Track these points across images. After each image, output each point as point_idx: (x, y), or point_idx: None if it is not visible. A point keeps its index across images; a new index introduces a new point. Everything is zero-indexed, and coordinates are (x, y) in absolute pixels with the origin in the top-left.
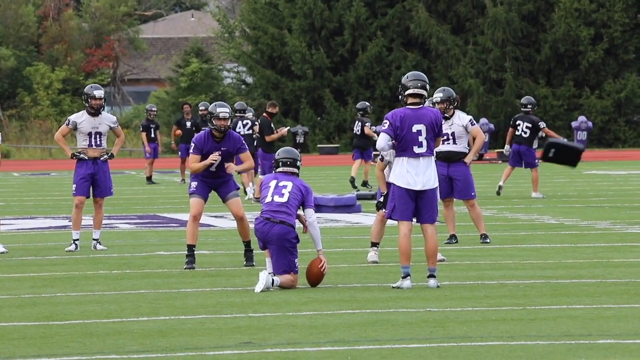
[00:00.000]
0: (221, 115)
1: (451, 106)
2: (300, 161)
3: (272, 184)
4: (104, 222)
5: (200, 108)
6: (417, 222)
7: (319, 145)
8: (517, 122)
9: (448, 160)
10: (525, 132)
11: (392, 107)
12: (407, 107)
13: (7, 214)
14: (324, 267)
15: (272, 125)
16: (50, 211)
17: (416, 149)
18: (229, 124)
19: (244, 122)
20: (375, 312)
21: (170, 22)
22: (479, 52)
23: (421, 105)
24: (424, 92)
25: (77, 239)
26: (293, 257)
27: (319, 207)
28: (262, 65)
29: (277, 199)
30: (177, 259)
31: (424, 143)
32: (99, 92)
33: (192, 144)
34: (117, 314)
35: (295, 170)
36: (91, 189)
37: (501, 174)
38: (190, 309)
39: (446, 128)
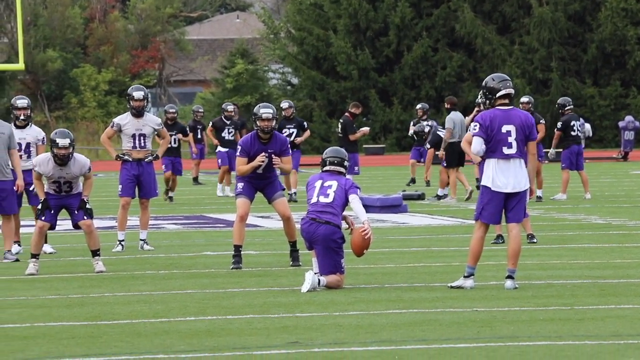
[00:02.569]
0: (264, 116)
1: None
2: (348, 160)
3: (318, 184)
4: (151, 222)
5: (228, 109)
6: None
7: (364, 146)
8: (572, 122)
9: None
10: (580, 131)
11: (437, 108)
12: (497, 107)
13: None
14: (367, 233)
15: (354, 125)
16: (97, 212)
17: (505, 150)
18: (273, 124)
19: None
20: (422, 312)
21: (216, 23)
22: (524, 52)
23: (511, 107)
24: (512, 91)
25: (123, 240)
26: (339, 257)
27: (366, 208)
28: (308, 66)
29: (322, 199)
30: (224, 259)
31: (514, 144)
32: (139, 93)
33: (239, 147)
34: (165, 314)
35: (342, 169)
36: (137, 190)
37: (549, 174)
38: (237, 309)
39: None
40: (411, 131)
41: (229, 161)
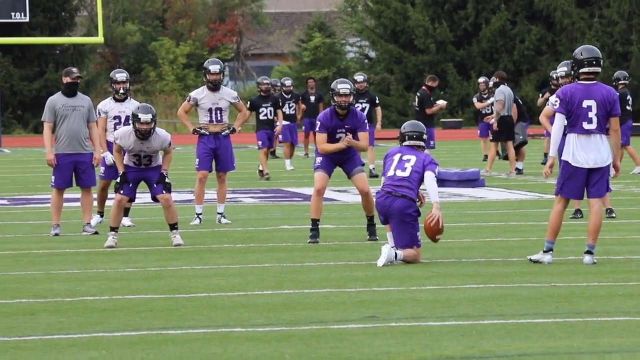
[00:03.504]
0: (342, 91)
1: (575, 80)
2: (426, 134)
3: (396, 157)
4: (228, 196)
5: (264, 81)
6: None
7: (442, 120)
8: (627, 97)
9: None
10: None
11: (515, 82)
12: (579, 82)
13: None
14: (432, 220)
15: (431, 98)
16: (175, 185)
17: (585, 125)
18: (350, 100)
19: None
20: (500, 287)
21: None
22: (604, 25)
23: (594, 82)
24: (598, 69)
25: (201, 213)
26: (415, 230)
27: (443, 182)
28: (385, 40)
29: (399, 173)
30: (300, 233)
31: (594, 119)
32: (215, 67)
33: (318, 122)
34: (242, 288)
35: (421, 143)
36: (214, 163)
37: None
38: (314, 283)
39: None
40: (478, 106)
41: (291, 134)
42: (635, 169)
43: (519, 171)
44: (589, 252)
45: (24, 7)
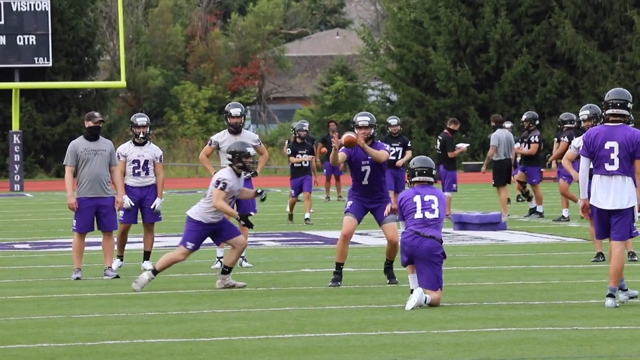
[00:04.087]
0: (360, 123)
1: (598, 124)
2: (435, 169)
3: (417, 199)
4: (250, 239)
5: (303, 128)
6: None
7: (463, 163)
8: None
9: None
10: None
11: (538, 126)
12: (605, 124)
13: (156, 232)
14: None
15: (453, 141)
16: None
17: (607, 167)
18: (371, 132)
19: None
20: (521, 330)
21: (316, 40)
22: (627, 68)
23: (620, 124)
24: (623, 111)
25: (222, 257)
26: (440, 272)
27: (464, 225)
28: (407, 83)
29: (428, 214)
30: (321, 277)
31: (616, 161)
32: (236, 110)
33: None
34: (263, 331)
35: (431, 179)
36: (235, 207)
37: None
38: (335, 326)
39: None
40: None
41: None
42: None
43: (539, 214)
44: (610, 295)
45: (47, 52)
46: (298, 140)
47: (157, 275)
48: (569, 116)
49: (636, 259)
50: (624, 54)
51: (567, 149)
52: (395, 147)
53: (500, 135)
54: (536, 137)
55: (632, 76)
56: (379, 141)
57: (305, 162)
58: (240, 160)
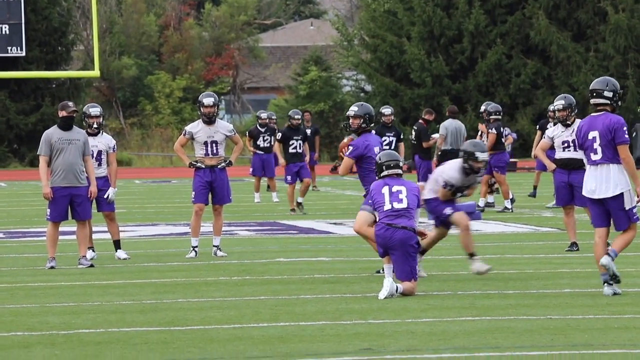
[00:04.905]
0: (348, 113)
1: (572, 114)
2: (402, 162)
3: (385, 190)
4: (224, 229)
5: (296, 116)
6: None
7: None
8: (502, 129)
9: (568, 167)
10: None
11: (511, 115)
12: (590, 114)
13: (129, 221)
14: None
15: (428, 132)
16: (171, 218)
17: (593, 156)
18: (359, 122)
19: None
20: (496, 319)
21: (290, 30)
22: (600, 59)
23: (602, 112)
24: (600, 100)
25: (196, 246)
26: (414, 262)
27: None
28: (381, 73)
29: (396, 205)
30: (296, 266)
31: (599, 150)
32: (209, 100)
33: (352, 147)
34: (237, 320)
35: (400, 171)
36: (210, 196)
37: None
38: (309, 315)
39: (567, 135)
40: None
41: (263, 168)
42: (506, 202)
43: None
44: (608, 284)
45: (20, 42)
46: (292, 127)
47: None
48: (495, 107)
49: (577, 249)
50: (597, 45)
51: (494, 139)
52: (389, 136)
53: (449, 125)
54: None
55: (606, 67)
56: (372, 132)
57: (300, 148)
58: (466, 161)
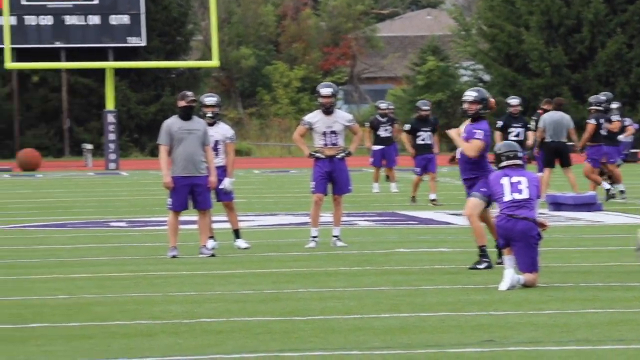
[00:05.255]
0: (464, 98)
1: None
2: (521, 152)
3: (505, 180)
4: (344, 219)
5: (424, 107)
6: None
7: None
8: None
9: None
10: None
11: (632, 105)
12: None
13: (248, 211)
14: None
15: None
16: (290, 208)
17: None
18: (476, 108)
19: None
20: (620, 312)
21: (407, 20)
22: None
23: None
24: None
25: (316, 236)
26: (536, 254)
27: (559, 206)
28: (499, 63)
29: (517, 196)
30: (416, 256)
31: None
32: (327, 90)
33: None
34: (358, 310)
35: (519, 162)
36: (330, 186)
37: None
38: (430, 306)
39: None
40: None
41: (384, 158)
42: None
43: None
44: None
45: (140, 32)
46: (421, 117)
47: None
48: (595, 98)
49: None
50: None
51: (592, 130)
52: (516, 127)
53: (547, 118)
54: (593, 119)
55: None
56: (484, 120)
57: (429, 139)
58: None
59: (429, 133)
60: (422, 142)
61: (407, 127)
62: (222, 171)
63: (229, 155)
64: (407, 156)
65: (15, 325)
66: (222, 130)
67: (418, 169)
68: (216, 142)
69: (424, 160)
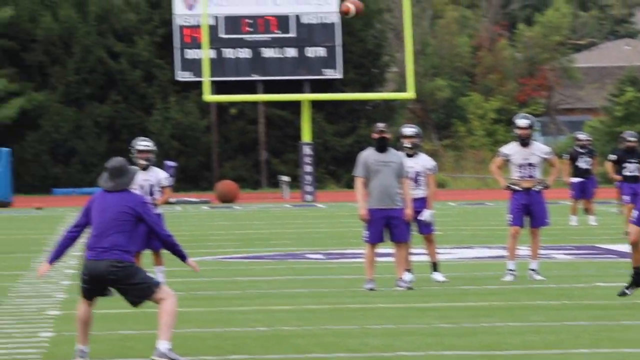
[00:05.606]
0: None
1: None
2: None
3: None
4: (541, 252)
5: (631, 139)
6: None
7: None
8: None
9: None
10: None
11: None
12: None
13: (445, 243)
14: None
15: None
16: (487, 240)
17: None
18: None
19: None
20: None
21: (605, 50)
22: None
23: None
24: None
25: (513, 269)
26: None
27: None
28: None
29: None
30: (615, 291)
31: None
32: (523, 122)
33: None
34: (557, 345)
35: None
36: (526, 219)
37: None
38: (632, 342)
39: None
40: None
41: (583, 191)
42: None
43: None
44: None
45: (335, 64)
46: (627, 148)
47: None
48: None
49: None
50: None
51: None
52: (631, 162)
53: None
54: None
55: None
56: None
57: (638, 171)
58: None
59: (637, 165)
60: (630, 174)
61: (614, 157)
62: (422, 202)
63: (430, 187)
64: (606, 188)
65: (215, 356)
66: (422, 162)
67: (627, 197)
68: (417, 174)
69: (631, 189)
